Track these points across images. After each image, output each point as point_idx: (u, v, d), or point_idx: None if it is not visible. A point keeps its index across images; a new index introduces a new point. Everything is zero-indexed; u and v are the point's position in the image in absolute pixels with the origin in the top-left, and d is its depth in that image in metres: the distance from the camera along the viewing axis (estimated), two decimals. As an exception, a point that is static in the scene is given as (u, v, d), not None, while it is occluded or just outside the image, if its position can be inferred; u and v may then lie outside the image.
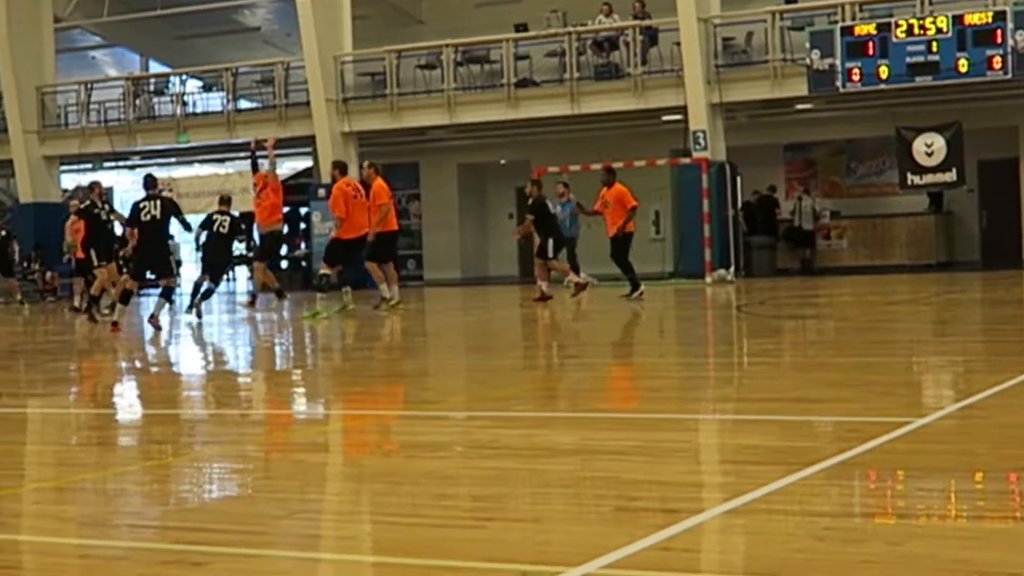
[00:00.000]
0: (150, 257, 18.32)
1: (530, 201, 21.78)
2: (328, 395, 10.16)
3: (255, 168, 22.82)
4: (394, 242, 20.73)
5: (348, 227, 19.37)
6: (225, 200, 21.94)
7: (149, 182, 18.48)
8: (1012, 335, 13.48)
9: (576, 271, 22.51)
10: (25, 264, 33.73)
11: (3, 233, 29.49)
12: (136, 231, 18.21)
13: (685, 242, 29.07)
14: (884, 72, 26.49)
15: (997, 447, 6.09)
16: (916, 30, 26.25)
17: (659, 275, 28.88)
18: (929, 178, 28.06)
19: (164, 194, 19.54)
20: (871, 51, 26.57)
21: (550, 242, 21.48)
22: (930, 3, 27.11)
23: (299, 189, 34.20)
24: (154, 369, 13.44)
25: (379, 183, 19.95)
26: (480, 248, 36.34)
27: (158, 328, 17.75)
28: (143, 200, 18.06)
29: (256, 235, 24.16)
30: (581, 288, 21.76)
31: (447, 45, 31.14)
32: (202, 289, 20.93)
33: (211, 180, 35.30)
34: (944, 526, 4.60)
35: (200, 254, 23.20)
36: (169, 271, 18.83)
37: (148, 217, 17.81)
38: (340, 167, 20.29)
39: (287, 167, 38.84)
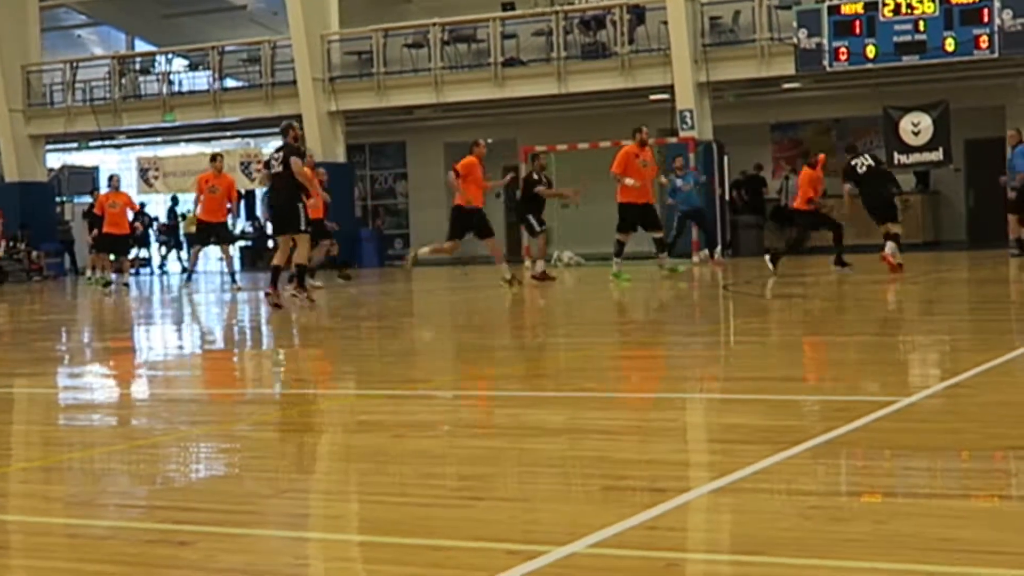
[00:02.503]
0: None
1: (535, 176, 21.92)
2: (316, 374, 10.15)
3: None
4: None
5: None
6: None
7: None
8: (999, 314, 13.51)
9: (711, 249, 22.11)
10: (11, 243, 33.65)
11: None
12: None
13: (672, 221, 29.04)
14: (871, 51, 26.50)
15: (984, 426, 6.10)
16: (903, 9, 26.25)
17: (646, 255, 28.88)
18: (916, 157, 28.09)
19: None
20: (858, 30, 26.58)
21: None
22: (917, -18, 27.10)
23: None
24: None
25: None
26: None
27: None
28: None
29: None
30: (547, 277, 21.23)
31: (434, 24, 31.09)
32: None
33: (197, 159, 35.19)
34: (930, 505, 4.60)
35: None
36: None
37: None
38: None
39: (273, 146, 38.79)
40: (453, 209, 19.80)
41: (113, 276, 25.42)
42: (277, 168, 16.93)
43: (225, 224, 24.62)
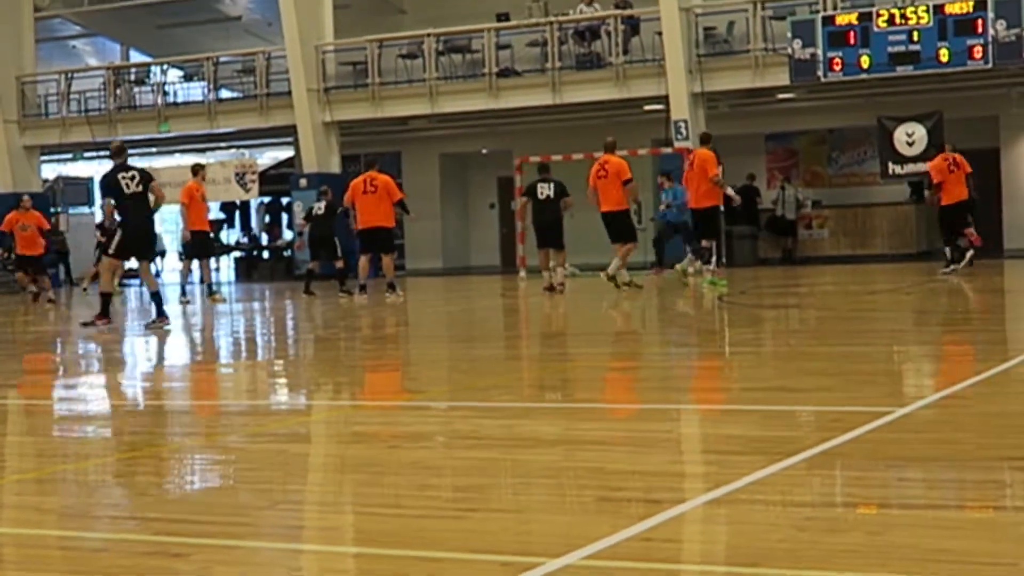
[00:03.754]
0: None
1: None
2: (311, 384, 10.14)
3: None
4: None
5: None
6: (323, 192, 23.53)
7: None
8: (993, 324, 13.53)
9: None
10: (5, 254, 33.60)
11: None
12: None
13: (666, 232, 29.07)
14: (865, 62, 26.54)
15: (979, 436, 6.10)
16: (897, 20, 26.30)
17: (641, 265, 28.88)
18: (910, 167, 28.13)
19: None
20: (852, 41, 26.61)
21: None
22: (911, -8, 27.17)
23: (280, 179, 34.14)
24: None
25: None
26: (462, 238, 36.33)
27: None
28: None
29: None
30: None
31: (428, 34, 31.10)
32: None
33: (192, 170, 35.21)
34: (925, 516, 4.60)
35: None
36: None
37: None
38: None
39: (268, 157, 38.83)
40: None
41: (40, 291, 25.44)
42: (134, 189, 15.82)
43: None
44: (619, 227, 20.05)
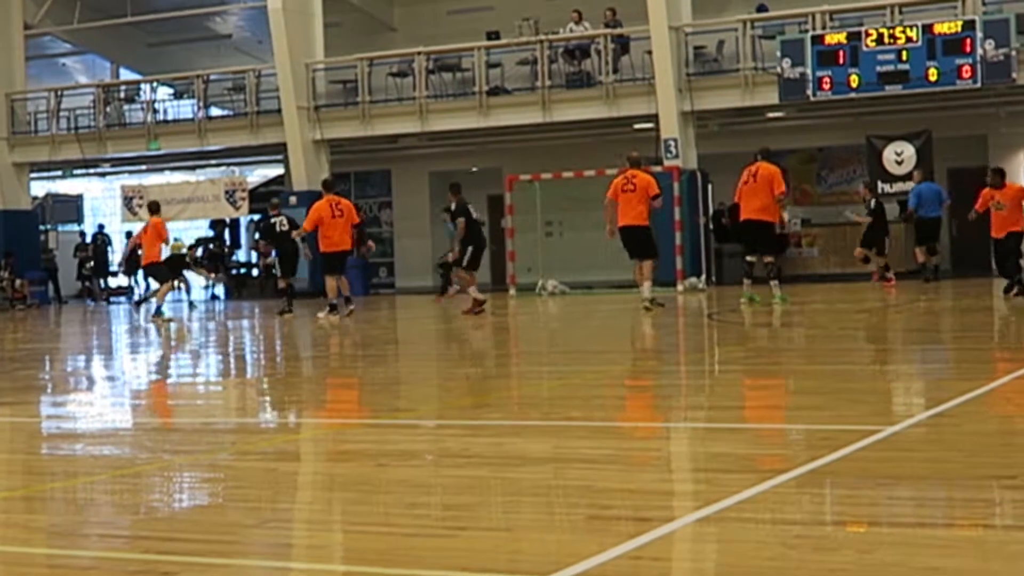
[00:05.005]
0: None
1: (453, 207, 20.89)
2: (299, 403, 10.12)
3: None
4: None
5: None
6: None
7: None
8: (982, 343, 13.55)
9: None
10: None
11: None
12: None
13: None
14: (854, 81, 26.61)
15: (967, 455, 6.11)
16: (886, 39, 26.38)
17: (631, 283, 28.88)
18: (899, 186, 28.18)
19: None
20: (842, 60, 26.70)
21: (469, 250, 20.49)
22: (900, 12, 27.26)
23: (270, 197, 34.11)
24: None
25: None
26: (450, 255, 36.29)
27: None
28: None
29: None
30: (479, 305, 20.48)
31: (419, 53, 31.13)
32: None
33: (182, 188, 35.22)
34: (914, 534, 4.61)
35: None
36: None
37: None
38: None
39: (258, 174, 38.81)
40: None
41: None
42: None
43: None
44: (641, 242, 19.77)
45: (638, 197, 19.43)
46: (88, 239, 38.05)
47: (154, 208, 23.84)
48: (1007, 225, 20.36)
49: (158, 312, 22.28)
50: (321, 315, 20.76)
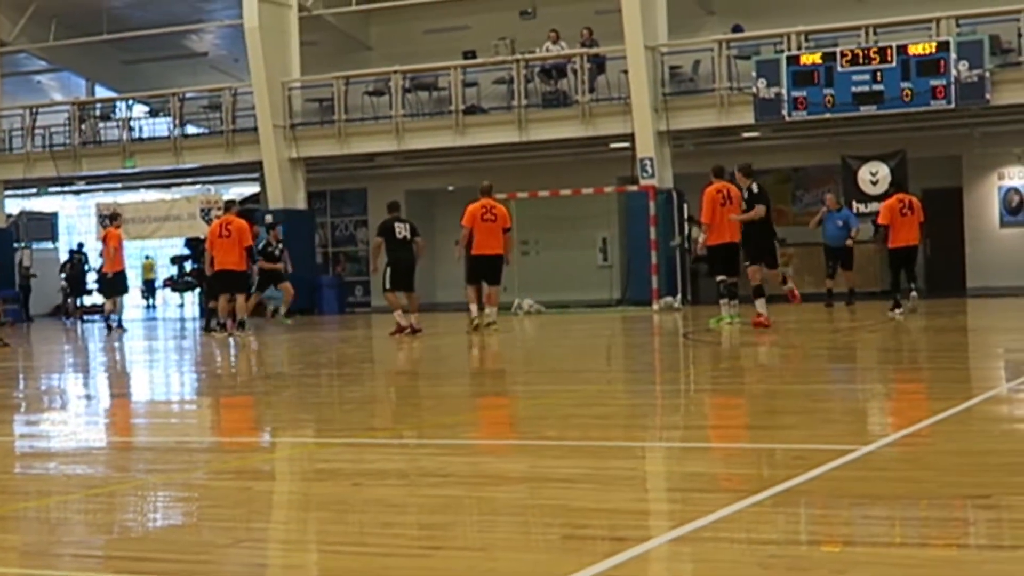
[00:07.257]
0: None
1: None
2: (275, 422, 10.10)
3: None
4: None
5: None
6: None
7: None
8: (956, 362, 13.60)
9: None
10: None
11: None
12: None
13: (632, 269, 29.15)
14: (830, 101, 26.74)
15: (941, 474, 6.13)
16: (861, 60, 26.52)
17: (606, 302, 28.95)
18: (874, 206, 28.27)
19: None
20: (817, 80, 26.83)
21: (388, 272, 20.49)
22: (875, 33, 27.39)
23: (246, 215, 34.02)
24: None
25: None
26: (428, 274, 36.17)
27: None
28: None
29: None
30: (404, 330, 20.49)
31: (395, 71, 31.17)
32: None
33: (158, 206, 35.13)
34: (889, 554, 4.61)
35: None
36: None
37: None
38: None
39: (234, 192, 38.75)
40: None
41: None
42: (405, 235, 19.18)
43: None
44: (499, 270, 20.76)
45: (499, 226, 20.39)
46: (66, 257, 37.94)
47: (116, 217, 25.33)
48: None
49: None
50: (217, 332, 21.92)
